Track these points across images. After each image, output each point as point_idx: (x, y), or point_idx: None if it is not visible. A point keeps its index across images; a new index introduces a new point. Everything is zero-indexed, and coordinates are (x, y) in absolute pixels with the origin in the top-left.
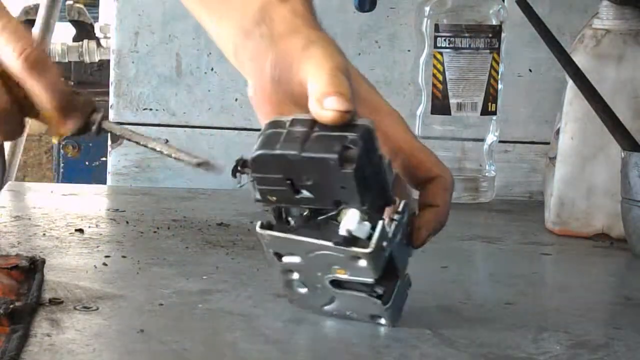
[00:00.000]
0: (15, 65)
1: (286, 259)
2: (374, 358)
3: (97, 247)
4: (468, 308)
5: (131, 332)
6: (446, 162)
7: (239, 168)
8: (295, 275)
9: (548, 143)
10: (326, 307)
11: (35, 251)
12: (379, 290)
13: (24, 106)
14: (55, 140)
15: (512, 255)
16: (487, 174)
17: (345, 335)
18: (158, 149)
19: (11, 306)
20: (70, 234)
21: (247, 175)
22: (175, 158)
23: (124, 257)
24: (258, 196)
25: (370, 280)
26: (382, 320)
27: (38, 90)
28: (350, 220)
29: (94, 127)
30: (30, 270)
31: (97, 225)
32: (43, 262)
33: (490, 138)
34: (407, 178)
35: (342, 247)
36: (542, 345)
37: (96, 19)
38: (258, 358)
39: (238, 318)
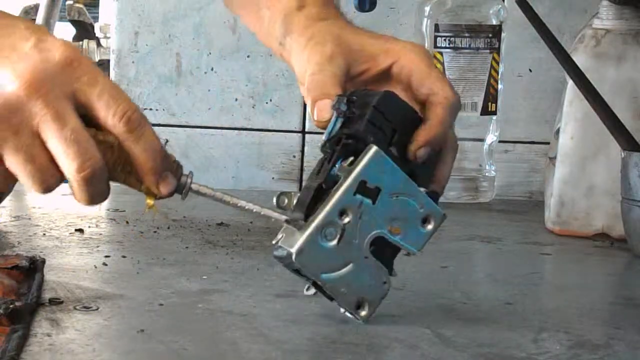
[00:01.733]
0: (116, 129)
1: (359, 196)
2: (374, 358)
3: (97, 247)
4: (468, 308)
5: (131, 332)
6: None
7: (341, 101)
8: (341, 223)
9: (548, 143)
10: (325, 275)
11: (35, 251)
12: (395, 274)
13: (114, 169)
14: (149, 206)
15: (512, 255)
16: (487, 174)
17: (345, 335)
18: (247, 208)
19: (11, 306)
20: (70, 234)
21: (343, 112)
22: (264, 215)
23: (124, 257)
24: (359, 129)
25: (414, 250)
26: (364, 312)
27: (137, 152)
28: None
29: (184, 190)
30: (30, 270)
31: (97, 225)
32: (43, 262)
33: (490, 138)
34: (408, 95)
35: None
36: (542, 345)
37: (96, 19)
38: (258, 358)
39: (238, 318)
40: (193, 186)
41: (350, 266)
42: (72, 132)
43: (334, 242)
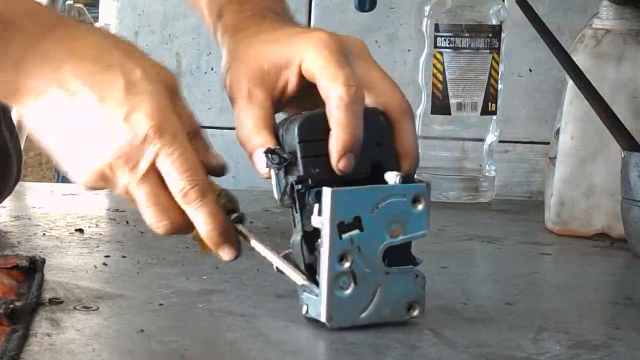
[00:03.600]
0: (181, 197)
1: (346, 235)
2: (374, 358)
3: (97, 247)
4: (468, 308)
5: (131, 332)
6: (446, 162)
7: (269, 154)
8: (347, 263)
9: (548, 143)
10: (364, 314)
11: (35, 251)
12: (419, 261)
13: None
14: (202, 249)
15: (512, 255)
16: (487, 174)
17: (345, 335)
18: (271, 261)
19: (11, 306)
20: (70, 233)
21: (276, 165)
22: (283, 272)
23: (124, 257)
24: (300, 173)
25: (421, 233)
26: (416, 311)
27: (196, 222)
28: (393, 174)
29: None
30: (30, 270)
31: (97, 225)
32: (43, 262)
33: (490, 138)
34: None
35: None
36: (542, 345)
37: (96, 19)
38: (258, 358)
39: (238, 318)
40: (239, 227)
41: (378, 290)
42: (150, 196)
43: (352, 285)
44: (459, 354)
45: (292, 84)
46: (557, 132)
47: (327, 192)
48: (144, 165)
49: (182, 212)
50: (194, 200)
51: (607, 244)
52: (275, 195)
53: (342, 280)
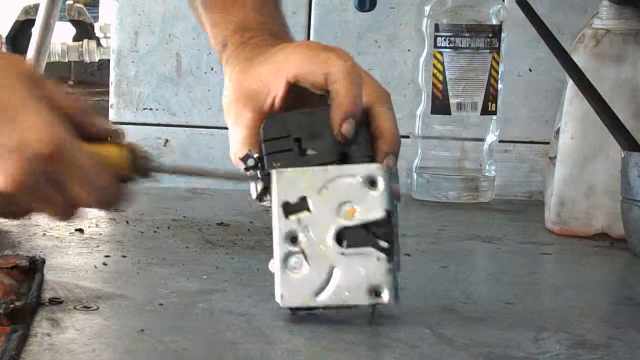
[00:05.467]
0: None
1: (293, 217)
2: (374, 358)
3: (97, 247)
4: (468, 308)
5: (131, 332)
6: (446, 162)
7: (244, 159)
8: (297, 247)
9: (548, 143)
10: (321, 296)
11: (35, 251)
12: (384, 244)
13: None
14: None
15: (512, 255)
16: (487, 174)
17: (345, 335)
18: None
19: (11, 306)
20: (70, 233)
21: (251, 167)
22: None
23: (124, 256)
24: (264, 170)
25: (382, 214)
26: (383, 296)
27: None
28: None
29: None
30: (30, 270)
31: (97, 225)
32: (43, 261)
33: (490, 138)
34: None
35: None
36: (542, 345)
37: (96, 18)
38: (258, 358)
39: (238, 318)
40: (153, 166)
41: (334, 272)
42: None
43: (304, 266)
44: (459, 354)
45: (280, 95)
46: (557, 132)
47: (273, 173)
48: (46, 187)
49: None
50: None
51: (607, 244)
52: (253, 196)
53: (293, 261)
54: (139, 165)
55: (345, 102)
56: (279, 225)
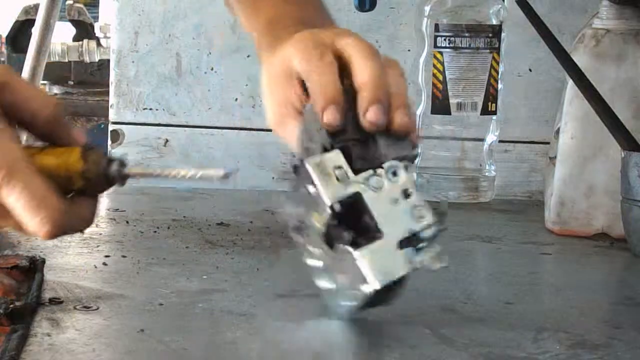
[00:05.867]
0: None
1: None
2: (374, 358)
3: (97, 246)
4: (468, 308)
5: (131, 332)
6: (446, 162)
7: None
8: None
9: (548, 143)
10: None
11: (35, 251)
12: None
13: None
14: None
15: (512, 255)
16: (487, 174)
17: (345, 335)
18: (182, 175)
19: (11, 306)
20: None
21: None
22: (200, 177)
23: (124, 256)
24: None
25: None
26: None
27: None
28: None
29: (117, 181)
30: (30, 270)
31: (97, 225)
32: (43, 261)
33: (490, 138)
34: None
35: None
36: (542, 345)
37: (96, 18)
38: (258, 358)
39: (238, 318)
40: (125, 171)
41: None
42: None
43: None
44: (458, 354)
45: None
46: (557, 132)
47: (306, 164)
48: None
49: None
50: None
51: (607, 244)
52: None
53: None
54: (100, 174)
55: (368, 87)
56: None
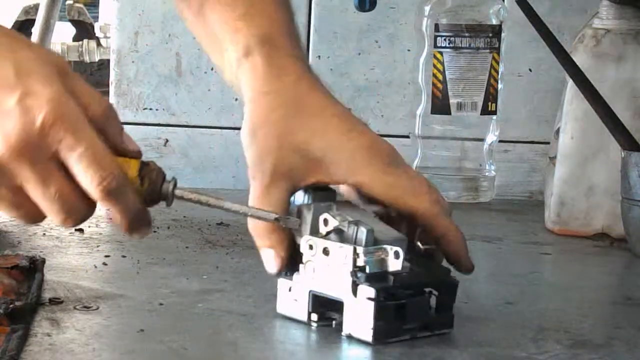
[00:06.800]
0: (93, 194)
1: None
2: (374, 358)
3: (97, 246)
4: (468, 307)
5: (131, 331)
6: (446, 162)
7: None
8: None
9: (548, 143)
10: None
11: (35, 251)
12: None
13: None
14: None
15: (512, 255)
16: (487, 174)
17: (345, 335)
18: (234, 210)
19: (11, 306)
20: (70, 233)
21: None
22: (251, 216)
23: (124, 256)
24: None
25: None
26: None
27: (113, 213)
28: None
29: (167, 199)
30: (30, 269)
31: (97, 225)
32: (43, 261)
33: (490, 138)
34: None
35: None
36: (542, 344)
37: (96, 18)
38: (258, 358)
39: (238, 318)
40: (177, 192)
41: None
42: (55, 192)
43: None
44: (459, 353)
45: (320, 181)
46: (557, 132)
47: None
48: (45, 158)
49: (91, 203)
50: (106, 197)
51: (607, 244)
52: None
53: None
54: (151, 191)
55: (463, 244)
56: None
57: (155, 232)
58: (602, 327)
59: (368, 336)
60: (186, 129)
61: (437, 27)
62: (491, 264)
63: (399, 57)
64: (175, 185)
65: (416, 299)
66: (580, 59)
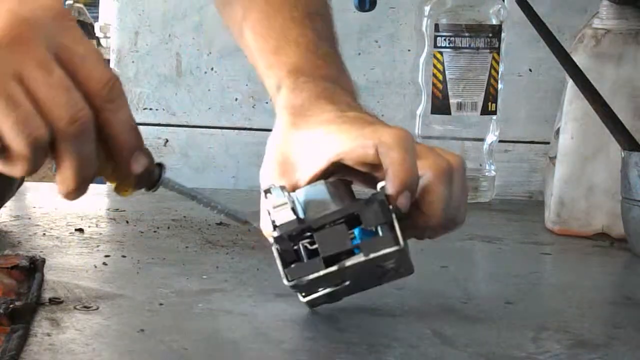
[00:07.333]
0: (97, 96)
1: None
2: (374, 358)
3: (97, 246)
4: (468, 307)
5: (131, 331)
6: None
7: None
8: None
9: (548, 143)
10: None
11: (35, 251)
12: None
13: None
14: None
15: (512, 255)
16: (487, 174)
17: (345, 335)
18: (213, 205)
19: (11, 306)
20: (70, 233)
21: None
22: (229, 216)
23: (124, 256)
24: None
25: None
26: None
27: (114, 123)
28: None
29: (156, 182)
30: (30, 269)
31: (97, 225)
32: (43, 261)
33: (490, 138)
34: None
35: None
36: (542, 344)
37: (96, 18)
38: (258, 358)
39: (238, 318)
40: (165, 178)
41: None
42: (60, 80)
43: None
44: (459, 353)
45: (317, 173)
46: (557, 132)
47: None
48: (43, 47)
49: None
50: (115, 99)
51: (607, 244)
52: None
53: None
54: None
55: (401, 172)
56: None
57: (155, 232)
58: (602, 327)
59: (285, 280)
60: (186, 129)
61: (437, 27)
62: (491, 264)
63: (399, 57)
64: (164, 172)
65: (323, 231)
66: (580, 59)
